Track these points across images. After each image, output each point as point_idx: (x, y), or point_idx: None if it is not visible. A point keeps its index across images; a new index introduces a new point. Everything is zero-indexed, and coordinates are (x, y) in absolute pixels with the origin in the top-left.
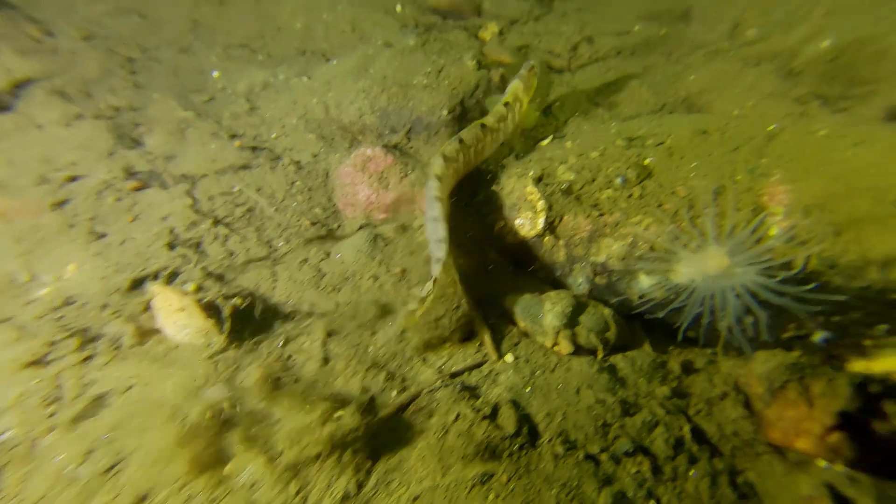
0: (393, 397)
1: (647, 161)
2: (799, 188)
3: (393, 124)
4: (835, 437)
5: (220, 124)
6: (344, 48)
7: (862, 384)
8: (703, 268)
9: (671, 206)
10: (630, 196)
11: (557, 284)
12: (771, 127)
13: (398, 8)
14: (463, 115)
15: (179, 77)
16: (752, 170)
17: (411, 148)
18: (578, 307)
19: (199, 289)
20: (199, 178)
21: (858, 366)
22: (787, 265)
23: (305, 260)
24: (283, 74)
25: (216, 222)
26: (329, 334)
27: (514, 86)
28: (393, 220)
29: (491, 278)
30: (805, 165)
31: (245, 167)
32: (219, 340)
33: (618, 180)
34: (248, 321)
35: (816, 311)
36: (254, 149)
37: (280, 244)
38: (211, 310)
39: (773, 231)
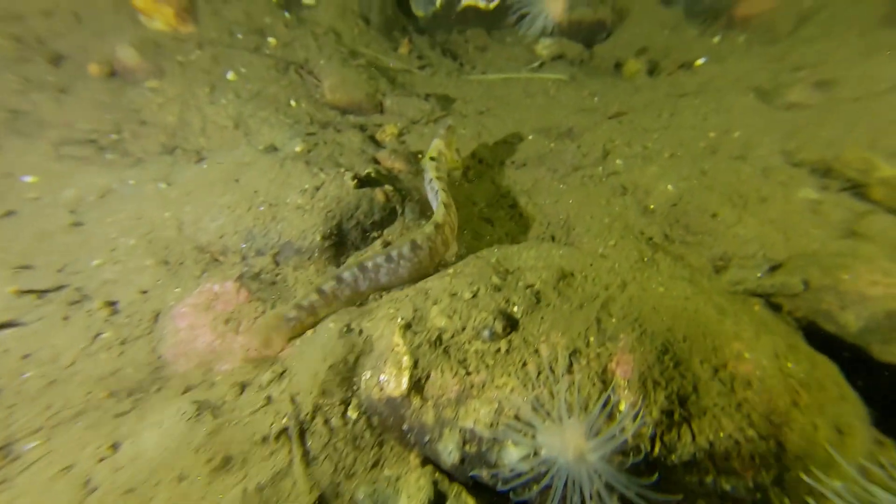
0: None
1: (514, 308)
2: (638, 357)
3: (259, 247)
4: None
5: (8, 251)
6: (224, 147)
7: None
8: (563, 447)
9: (534, 366)
10: (497, 351)
11: (427, 452)
12: (620, 280)
13: (293, 103)
14: (341, 239)
15: None
16: (602, 331)
17: (278, 276)
18: (438, 498)
19: None
20: None
21: None
22: (635, 449)
23: (68, 468)
24: (134, 179)
25: None
26: None
27: (436, 143)
28: (238, 375)
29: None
30: (645, 328)
31: (10, 324)
32: None
33: (485, 332)
34: None
35: None
36: (42, 292)
37: (30, 444)
38: None
39: (623, 406)
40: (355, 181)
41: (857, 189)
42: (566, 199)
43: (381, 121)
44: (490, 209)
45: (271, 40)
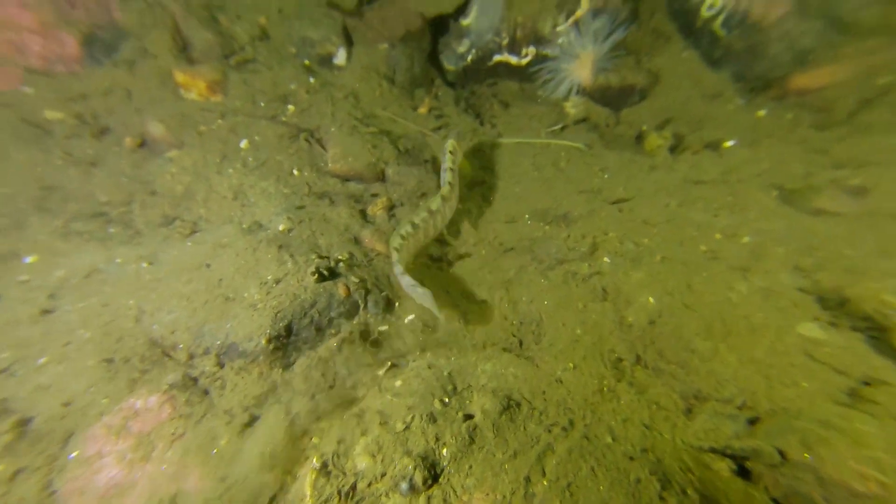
0: None
1: (443, 451)
2: None
3: (207, 346)
4: None
5: None
6: (221, 218)
7: None
8: None
9: None
10: None
11: None
12: (567, 419)
13: (296, 171)
14: (291, 339)
15: None
16: (529, 497)
17: (218, 380)
18: None
19: None
20: None
21: None
22: None
23: None
24: (122, 257)
25: None
26: None
27: (451, 142)
28: None
29: None
30: (576, 500)
31: None
32: None
33: (403, 485)
34: None
35: None
36: None
37: None
38: None
39: None
40: (316, 276)
41: (875, 333)
42: (544, 298)
43: (378, 190)
44: (462, 300)
45: (290, 107)
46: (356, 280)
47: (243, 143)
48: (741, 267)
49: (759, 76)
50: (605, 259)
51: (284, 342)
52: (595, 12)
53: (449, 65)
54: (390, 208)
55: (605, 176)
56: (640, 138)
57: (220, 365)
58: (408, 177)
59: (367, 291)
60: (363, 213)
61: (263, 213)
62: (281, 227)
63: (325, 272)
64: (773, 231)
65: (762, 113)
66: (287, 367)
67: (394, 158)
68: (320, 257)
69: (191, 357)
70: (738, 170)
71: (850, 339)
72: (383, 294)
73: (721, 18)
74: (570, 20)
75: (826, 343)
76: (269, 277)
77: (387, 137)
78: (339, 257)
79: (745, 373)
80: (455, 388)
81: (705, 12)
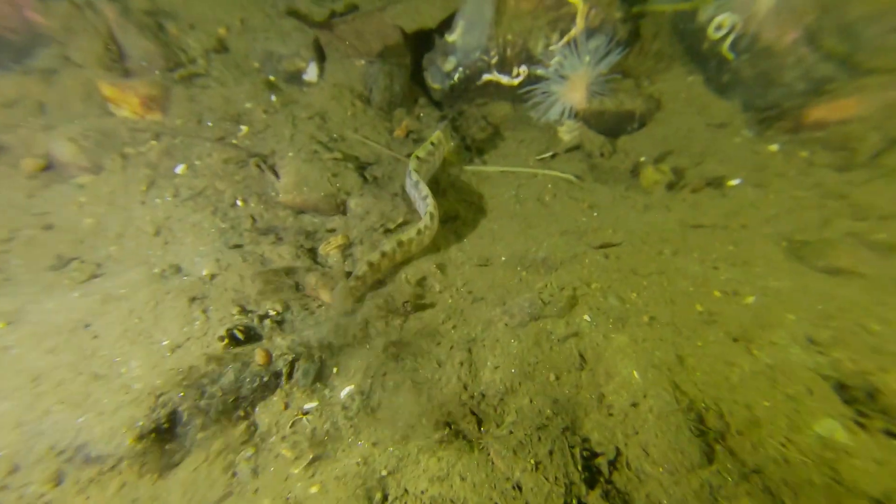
0: None
1: None
2: None
3: (41, 453)
4: None
5: None
6: (134, 258)
7: None
8: None
9: None
10: None
11: None
12: None
13: (239, 202)
14: (177, 432)
15: None
16: None
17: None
18: None
19: None
20: None
21: None
22: None
23: None
24: None
25: None
26: None
27: (436, 133)
28: None
29: None
30: None
31: None
32: None
33: None
34: None
35: None
36: None
37: None
38: None
39: None
40: (226, 340)
41: None
42: (511, 365)
43: (337, 225)
44: (413, 361)
45: (244, 128)
46: (284, 343)
47: (179, 169)
48: (743, 336)
49: (771, 106)
50: (585, 317)
51: (165, 437)
52: (590, 32)
53: (434, 83)
54: (346, 247)
55: (594, 214)
56: (635, 171)
57: (58, 480)
58: (372, 209)
59: (297, 358)
60: (313, 253)
61: (188, 254)
62: (204, 272)
63: (241, 334)
64: (781, 291)
65: (773, 148)
66: (166, 471)
67: (358, 188)
68: (243, 312)
69: (13, 470)
70: (742, 213)
71: (885, 448)
72: (317, 358)
73: (729, 40)
74: (564, 39)
75: (853, 452)
76: (164, 343)
77: (352, 164)
78: (271, 311)
79: (747, 489)
80: (386, 497)
81: (713, 33)
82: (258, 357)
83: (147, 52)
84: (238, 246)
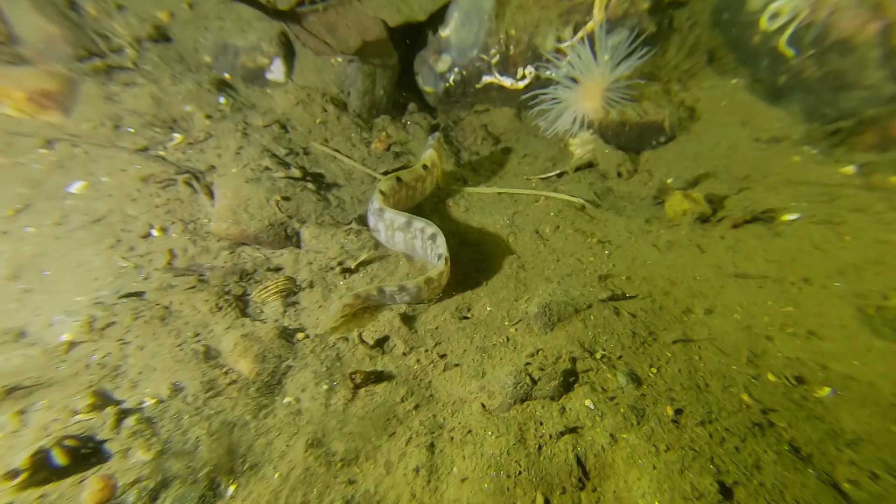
0: None
1: None
2: None
3: None
4: None
5: None
6: None
7: None
8: None
9: None
10: None
11: None
12: None
13: (155, 232)
14: None
15: None
16: None
17: None
18: None
19: None
20: None
21: None
22: None
23: None
24: None
25: None
26: None
27: (430, 154)
28: None
29: None
30: None
31: None
32: None
33: None
34: None
35: None
36: None
37: None
38: None
39: None
40: (23, 475)
41: None
42: (484, 477)
43: (285, 262)
44: (352, 468)
45: (177, 137)
46: (145, 459)
47: (76, 187)
48: (822, 455)
49: (846, 115)
50: (587, 402)
51: None
52: (610, 25)
53: (427, 86)
54: (289, 293)
55: (605, 252)
56: (660, 197)
57: None
58: (329, 242)
59: (163, 484)
60: (242, 302)
61: (50, 309)
62: (63, 337)
63: (64, 456)
64: (873, 385)
65: (849, 170)
66: None
67: (316, 215)
68: (93, 409)
69: None
70: (803, 261)
71: None
72: (202, 477)
73: (789, 32)
74: (578, 35)
75: None
76: None
77: (314, 184)
78: (146, 400)
79: None
80: None
81: (766, 24)
82: (86, 496)
83: (45, 35)
84: (134, 295)
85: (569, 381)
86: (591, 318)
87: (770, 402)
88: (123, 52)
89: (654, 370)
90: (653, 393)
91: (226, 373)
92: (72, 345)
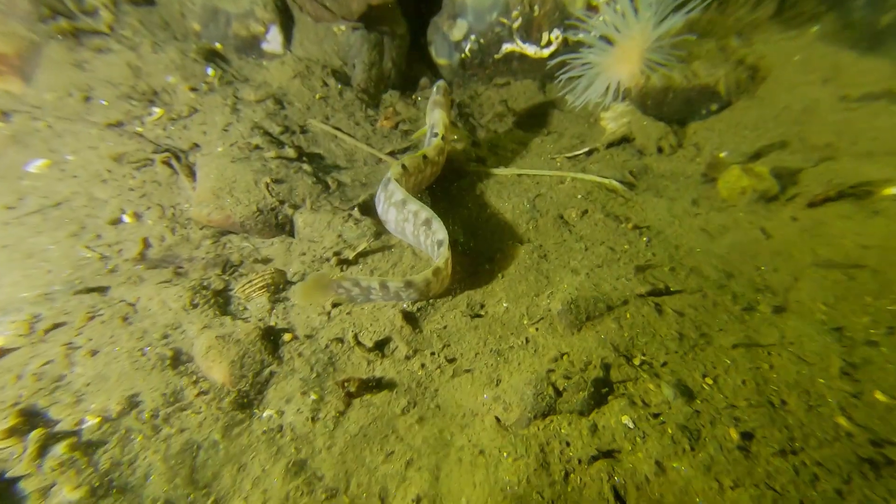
0: None
1: None
2: None
3: None
4: None
5: None
6: None
7: None
8: None
9: None
10: None
11: None
12: None
13: (127, 218)
14: None
15: None
16: None
17: None
18: None
19: None
20: None
21: None
22: None
23: None
24: None
25: None
26: None
27: (440, 116)
28: None
29: None
30: None
31: None
32: None
33: None
34: None
35: None
36: None
37: None
38: None
39: None
40: None
41: None
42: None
43: (274, 252)
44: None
45: (157, 111)
46: (73, 498)
47: (35, 165)
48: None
49: None
50: (625, 420)
51: None
52: None
53: (440, 58)
54: (278, 288)
55: (643, 240)
56: (710, 174)
57: None
58: (325, 230)
59: None
60: (223, 298)
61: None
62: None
63: None
64: None
65: None
66: None
67: (311, 199)
68: (7, 437)
69: None
70: None
71: None
72: None
73: None
74: None
75: None
76: None
77: (310, 165)
78: (88, 419)
79: None
80: None
81: None
82: None
83: None
84: (95, 290)
85: (601, 392)
86: (627, 316)
87: (883, 430)
88: (98, 15)
89: (710, 381)
90: (709, 410)
91: (195, 382)
92: (2, 352)
